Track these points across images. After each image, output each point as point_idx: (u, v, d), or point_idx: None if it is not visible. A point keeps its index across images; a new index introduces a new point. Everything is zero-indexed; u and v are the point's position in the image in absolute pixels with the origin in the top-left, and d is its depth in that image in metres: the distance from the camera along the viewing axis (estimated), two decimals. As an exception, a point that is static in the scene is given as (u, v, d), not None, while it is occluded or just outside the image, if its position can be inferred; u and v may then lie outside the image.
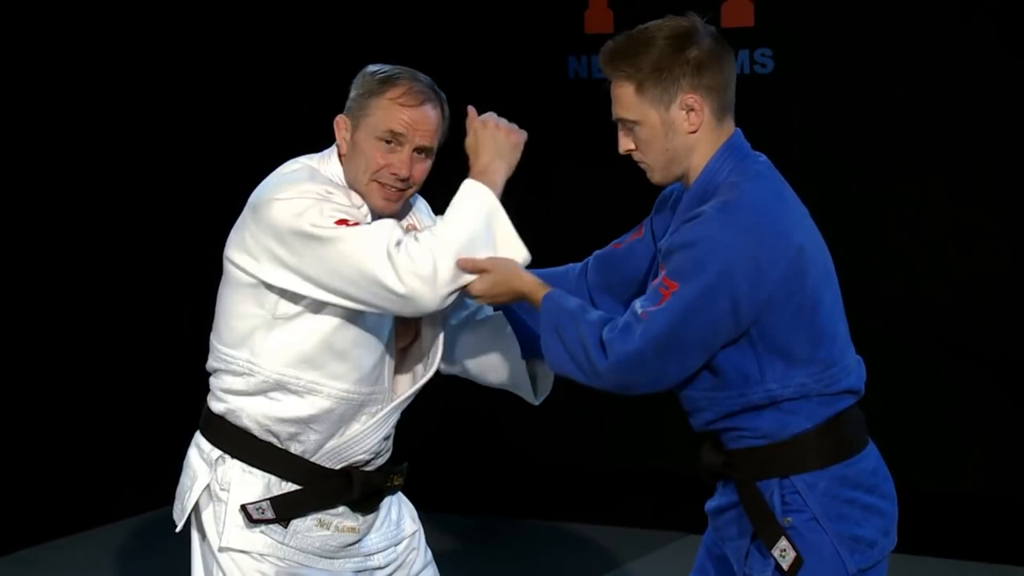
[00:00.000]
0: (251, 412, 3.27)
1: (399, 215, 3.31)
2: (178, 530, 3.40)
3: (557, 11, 6.57)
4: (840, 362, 2.97)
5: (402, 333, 3.34)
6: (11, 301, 6.34)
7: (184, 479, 3.39)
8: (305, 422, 3.26)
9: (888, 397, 5.88)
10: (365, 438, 3.31)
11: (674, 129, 2.95)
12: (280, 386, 3.24)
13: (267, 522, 3.27)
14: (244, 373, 3.26)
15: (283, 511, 3.28)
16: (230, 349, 3.27)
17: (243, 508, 3.26)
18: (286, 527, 3.30)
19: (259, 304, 3.22)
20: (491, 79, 6.60)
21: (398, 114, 3.18)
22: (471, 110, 3.19)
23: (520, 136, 3.17)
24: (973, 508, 5.98)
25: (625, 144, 3.02)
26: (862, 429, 3.04)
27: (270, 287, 3.19)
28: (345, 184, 3.25)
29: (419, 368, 3.35)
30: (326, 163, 3.28)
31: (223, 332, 3.29)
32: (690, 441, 3.19)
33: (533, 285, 3.06)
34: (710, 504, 3.13)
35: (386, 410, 3.30)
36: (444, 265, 3.05)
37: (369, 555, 3.42)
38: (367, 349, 3.24)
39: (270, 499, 3.27)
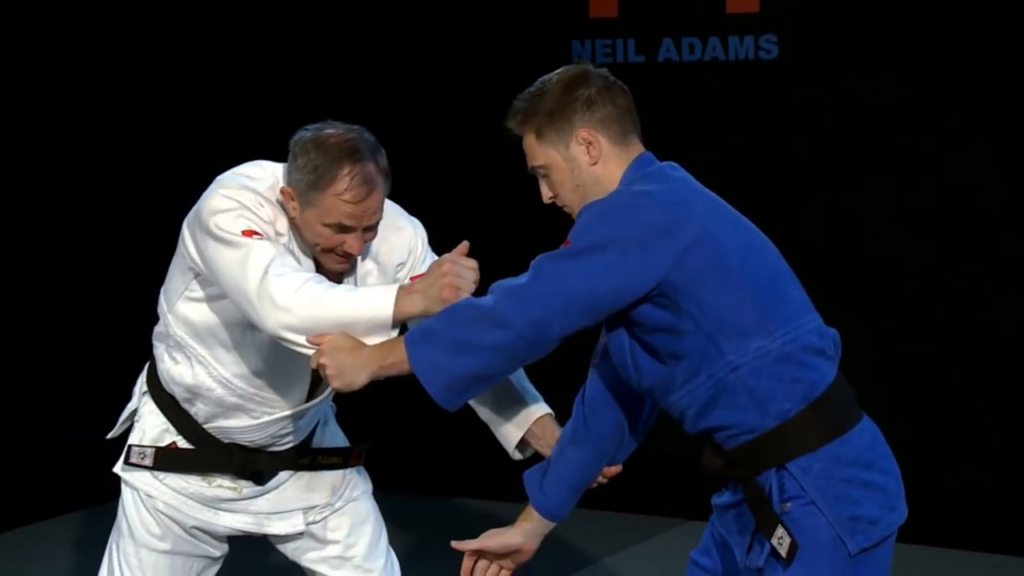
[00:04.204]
0: (161, 366, 3.51)
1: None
2: (107, 437, 3.67)
3: (561, -4, 6.56)
4: (796, 320, 2.98)
5: None
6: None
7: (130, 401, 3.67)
8: (191, 390, 3.46)
9: (902, 389, 5.88)
10: (252, 432, 3.49)
11: (577, 165, 3.08)
12: (179, 348, 3.45)
13: (143, 467, 3.51)
14: (163, 331, 3.49)
15: (162, 463, 3.51)
16: (163, 306, 3.49)
17: (128, 448, 3.53)
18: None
19: (183, 277, 3.41)
20: (494, 65, 6.58)
21: (344, 208, 3.23)
22: (463, 245, 3.21)
23: (453, 295, 3.12)
24: (987, 500, 5.95)
25: (545, 193, 3.14)
26: (851, 404, 3.03)
27: (189, 264, 3.35)
28: None
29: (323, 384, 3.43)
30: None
31: (166, 288, 3.49)
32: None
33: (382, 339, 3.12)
34: (716, 499, 3.14)
35: (277, 416, 3.47)
36: (297, 312, 3.10)
37: (261, 515, 3.57)
38: (257, 352, 3.37)
39: (154, 448, 3.52)
